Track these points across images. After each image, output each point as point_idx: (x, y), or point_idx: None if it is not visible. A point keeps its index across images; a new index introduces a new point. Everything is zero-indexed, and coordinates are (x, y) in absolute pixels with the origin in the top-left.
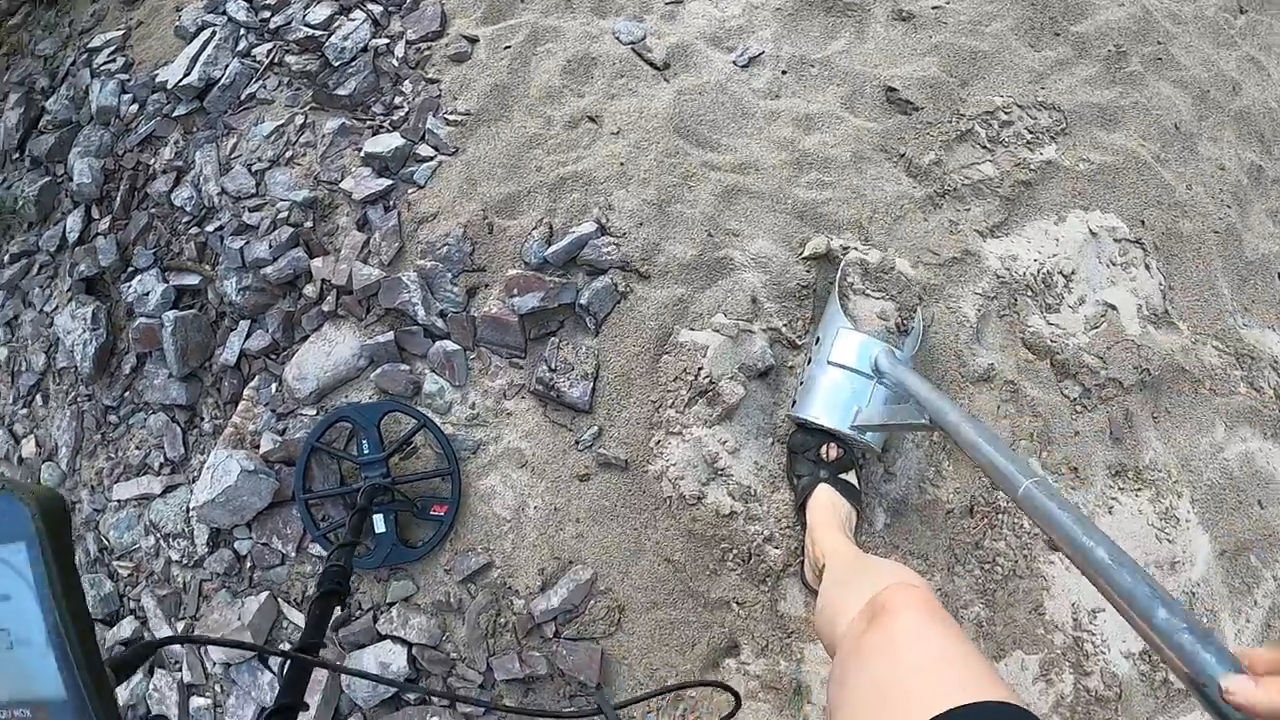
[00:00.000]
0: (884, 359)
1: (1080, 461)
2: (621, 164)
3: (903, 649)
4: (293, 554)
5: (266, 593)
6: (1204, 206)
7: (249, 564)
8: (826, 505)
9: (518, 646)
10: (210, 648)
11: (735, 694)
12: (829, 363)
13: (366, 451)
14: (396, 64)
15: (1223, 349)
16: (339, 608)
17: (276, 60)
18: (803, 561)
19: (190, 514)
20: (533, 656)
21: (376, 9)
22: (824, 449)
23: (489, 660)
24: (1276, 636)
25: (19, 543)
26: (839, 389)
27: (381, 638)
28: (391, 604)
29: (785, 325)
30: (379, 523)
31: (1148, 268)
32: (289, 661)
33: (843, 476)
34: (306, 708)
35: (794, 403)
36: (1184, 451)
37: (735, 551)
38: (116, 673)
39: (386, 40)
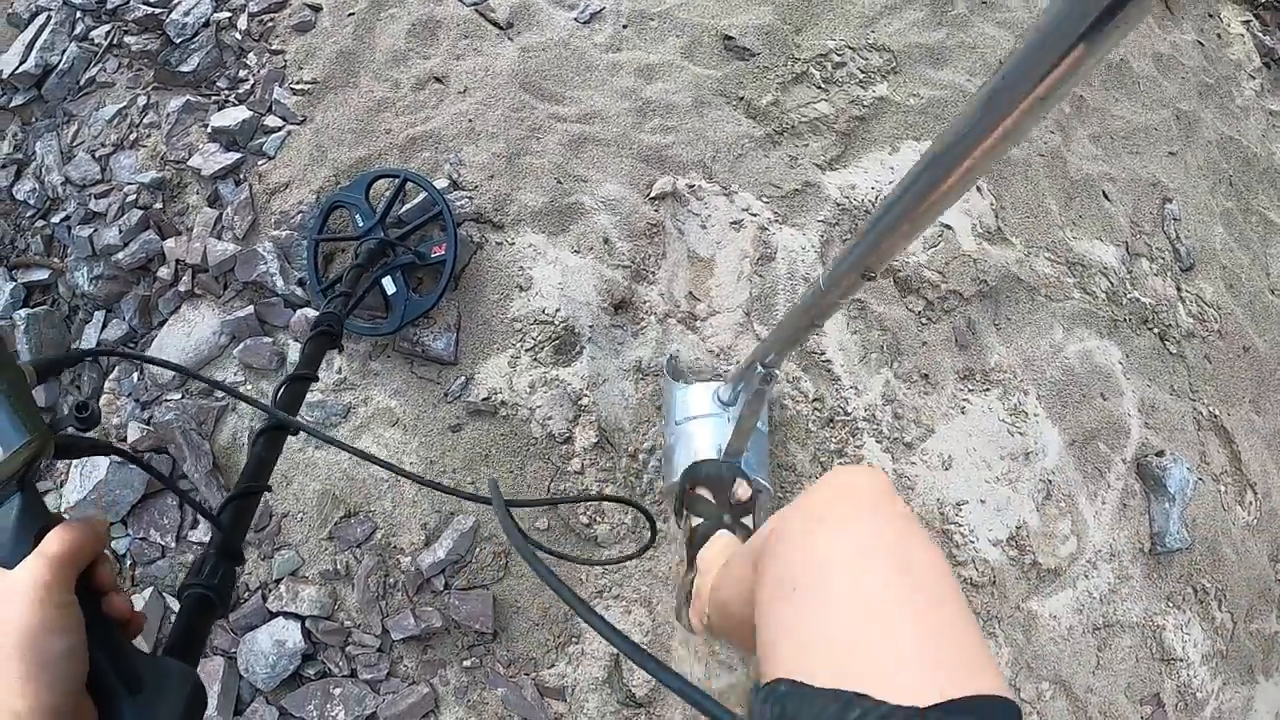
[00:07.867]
0: (722, 390)
1: (930, 369)
2: (470, 121)
3: (864, 575)
4: (172, 545)
5: (150, 588)
6: (1029, 133)
7: (129, 562)
8: (727, 554)
9: (410, 604)
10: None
11: (650, 516)
12: (677, 423)
13: (361, 225)
14: (240, 37)
15: (1055, 259)
16: (333, 350)
17: (115, 42)
18: (685, 605)
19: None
20: (426, 611)
21: None
22: (736, 486)
23: (384, 622)
24: (1133, 514)
25: None
26: (697, 437)
27: (273, 615)
28: (279, 580)
29: (637, 261)
30: (389, 284)
31: (979, 190)
32: (288, 383)
33: (744, 521)
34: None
35: (663, 479)
36: (1026, 353)
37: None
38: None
39: (228, 14)
